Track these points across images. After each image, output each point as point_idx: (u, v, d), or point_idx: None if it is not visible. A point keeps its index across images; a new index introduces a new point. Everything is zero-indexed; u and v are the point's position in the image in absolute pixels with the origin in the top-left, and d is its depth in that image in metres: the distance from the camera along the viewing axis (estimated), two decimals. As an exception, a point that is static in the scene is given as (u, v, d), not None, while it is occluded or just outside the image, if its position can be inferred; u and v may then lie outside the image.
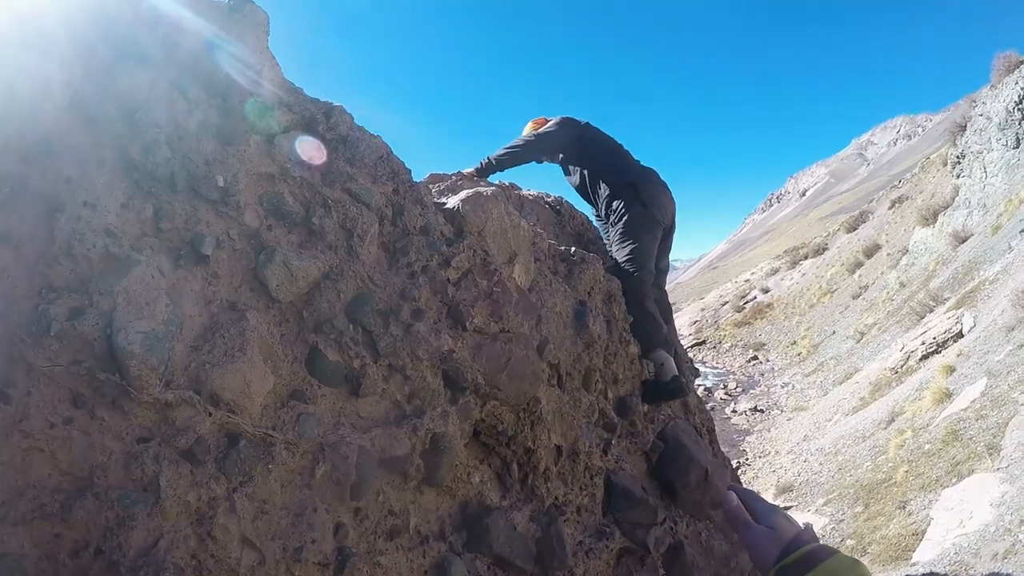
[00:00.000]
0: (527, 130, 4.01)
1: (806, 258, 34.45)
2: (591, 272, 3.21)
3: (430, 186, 3.01)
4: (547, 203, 4.14)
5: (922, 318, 15.55)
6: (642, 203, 3.77)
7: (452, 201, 2.47)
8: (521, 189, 4.11)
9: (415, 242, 2.18)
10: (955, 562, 6.29)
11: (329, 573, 1.82)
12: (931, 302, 15.84)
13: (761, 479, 12.52)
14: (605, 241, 4.07)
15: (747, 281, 39.84)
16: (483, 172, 3.65)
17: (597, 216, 4.11)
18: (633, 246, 3.63)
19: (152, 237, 1.63)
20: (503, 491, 2.53)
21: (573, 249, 3.24)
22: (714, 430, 4.51)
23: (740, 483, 4.71)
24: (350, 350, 1.97)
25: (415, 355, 2.10)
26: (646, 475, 3.40)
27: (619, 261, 3.60)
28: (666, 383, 3.57)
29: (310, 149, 2.02)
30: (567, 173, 4.14)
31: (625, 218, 3.70)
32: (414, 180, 2.34)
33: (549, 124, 3.90)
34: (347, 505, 1.90)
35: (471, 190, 2.56)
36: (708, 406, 18.41)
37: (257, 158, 1.83)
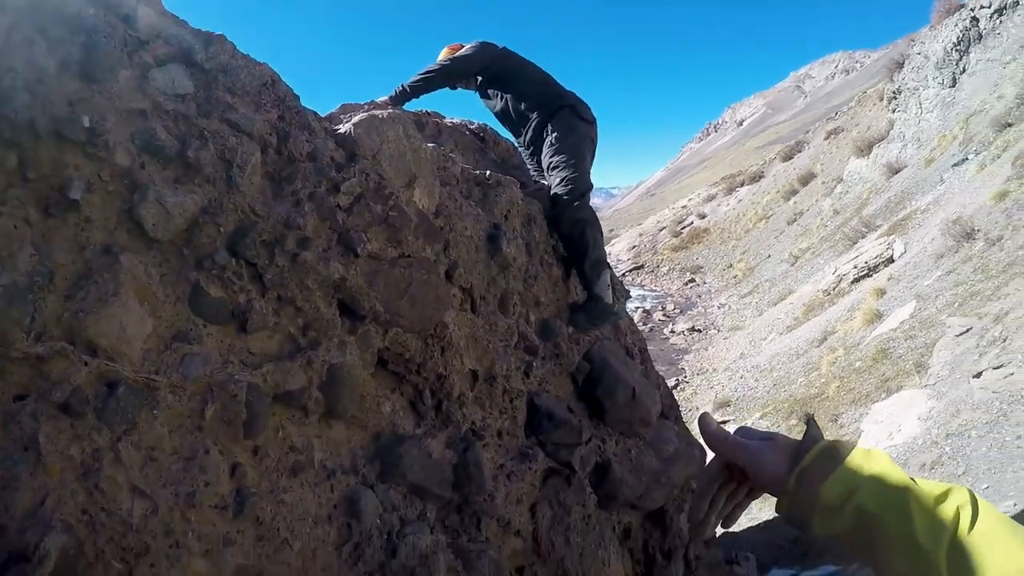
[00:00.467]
0: (442, 55, 3.85)
1: (742, 185, 34.98)
2: (507, 195, 3.12)
3: (341, 116, 2.83)
4: (469, 130, 4.02)
5: (855, 243, 16.06)
6: (587, 123, 3.72)
7: (345, 126, 2.35)
8: (444, 117, 3.94)
9: (301, 169, 2.07)
10: None
11: (228, 515, 1.78)
12: (864, 228, 16.34)
13: (700, 395, 12.94)
14: (529, 167, 3.96)
15: (684, 207, 40.33)
16: (397, 100, 3.50)
17: (521, 142, 3.97)
18: (579, 166, 3.54)
19: (18, 188, 1.55)
20: (417, 419, 2.49)
21: (488, 172, 3.15)
22: (646, 350, 4.52)
23: (674, 401, 4.78)
24: (234, 285, 1.89)
25: (304, 285, 2.01)
26: (572, 396, 3.39)
27: (562, 182, 3.48)
28: (600, 306, 3.52)
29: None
30: (486, 98, 3.98)
31: (569, 139, 3.59)
32: (302, 106, 2.22)
33: (465, 48, 3.75)
34: (242, 444, 1.85)
35: (365, 113, 2.44)
36: (647, 328, 18.80)
37: (127, 94, 1.72)
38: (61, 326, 1.54)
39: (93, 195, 1.65)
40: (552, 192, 3.50)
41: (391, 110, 2.62)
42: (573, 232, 3.44)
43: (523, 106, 3.75)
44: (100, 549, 1.52)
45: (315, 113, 2.31)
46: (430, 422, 2.51)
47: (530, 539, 2.87)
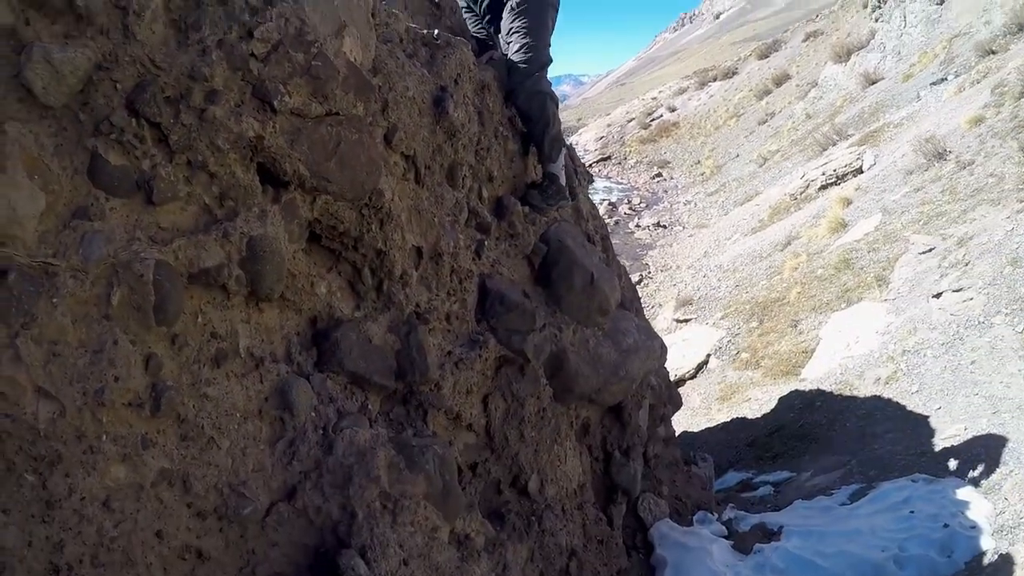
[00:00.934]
0: None
1: (715, 80, 34.18)
2: (457, 57, 2.83)
3: None
4: None
5: (825, 150, 15.96)
6: None
7: None
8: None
9: (209, 13, 1.78)
10: (840, 382, 6.73)
11: (145, 413, 1.60)
12: (835, 136, 16.20)
13: (662, 292, 13.06)
14: (476, 33, 3.62)
15: (654, 99, 39.44)
16: None
17: (471, 8, 3.60)
18: (541, 35, 3.24)
19: None
20: (357, 301, 2.30)
21: (436, 32, 2.85)
22: (608, 238, 4.36)
23: (636, 294, 4.67)
24: (136, 149, 1.63)
25: (216, 146, 1.75)
26: (529, 280, 3.24)
27: (523, 48, 3.18)
28: (554, 184, 3.32)
29: None
30: None
31: (534, 4, 3.25)
32: None
33: None
34: (156, 332, 1.64)
35: None
36: (612, 220, 18.72)
37: None
38: None
39: None
40: (510, 59, 3.21)
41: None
42: (532, 104, 3.19)
43: None
44: (10, 460, 1.37)
45: None
46: (370, 304, 2.32)
47: (483, 433, 2.77)
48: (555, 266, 3.26)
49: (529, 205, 3.24)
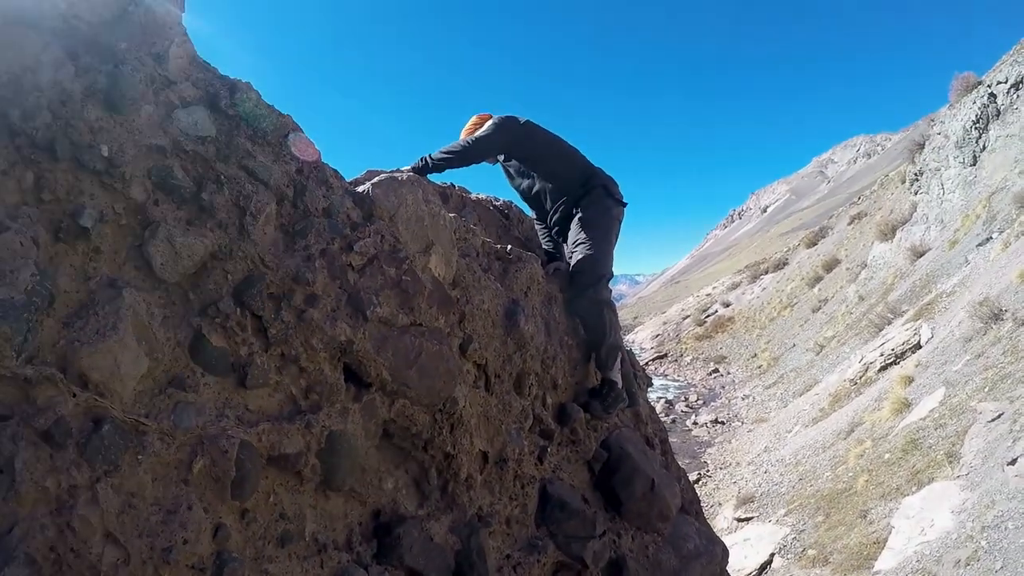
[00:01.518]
0: (467, 129, 3.76)
1: (767, 273, 34.88)
2: (528, 271, 3.04)
3: (367, 180, 2.82)
4: (495, 206, 3.93)
5: (880, 330, 15.78)
6: (618, 204, 3.61)
7: (364, 185, 2.31)
8: (470, 192, 3.89)
9: (315, 224, 2.02)
10: (917, 570, 6.24)
11: None
12: (889, 314, 16.08)
13: (722, 490, 12.48)
14: (545, 245, 3.84)
15: (709, 295, 40.25)
16: (420, 171, 3.42)
17: (541, 221, 3.84)
18: (604, 248, 3.44)
19: (31, 207, 1.54)
20: (421, 499, 2.36)
21: (509, 247, 3.08)
22: (667, 440, 4.33)
23: (696, 496, 4.52)
24: (237, 336, 1.81)
25: (309, 344, 1.93)
26: (588, 486, 3.23)
27: (586, 261, 3.36)
28: (613, 391, 3.38)
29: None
30: (510, 177, 3.85)
31: (600, 219, 3.48)
32: (322, 161, 2.19)
33: (485, 129, 3.59)
34: (229, 505, 1.74)
35: (386, 175, 2.41)
36: (669, 419, 18.37)
37: (149, 129, 1.71)
38: (55, 353, 1.50)
39: (105, 226, 1.63)
40: (572, 269, 3.40)
41: (412, 174, 2.58)
42: (591, 313, 3.34)
43: (552, 185, 3.62)
44: None
45: (335, 170, 2.28)
46: (434, 503, 2.37)
47: (535, 637, 2.64)
48: (616, 472, 3.27)
49: (589, 412, 3.29)
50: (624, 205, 3.67)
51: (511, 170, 3.78)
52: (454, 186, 3.75)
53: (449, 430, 2.36)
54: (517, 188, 3.83)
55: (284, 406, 1.92)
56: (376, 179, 2.34)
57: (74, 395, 1.50)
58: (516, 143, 3.60)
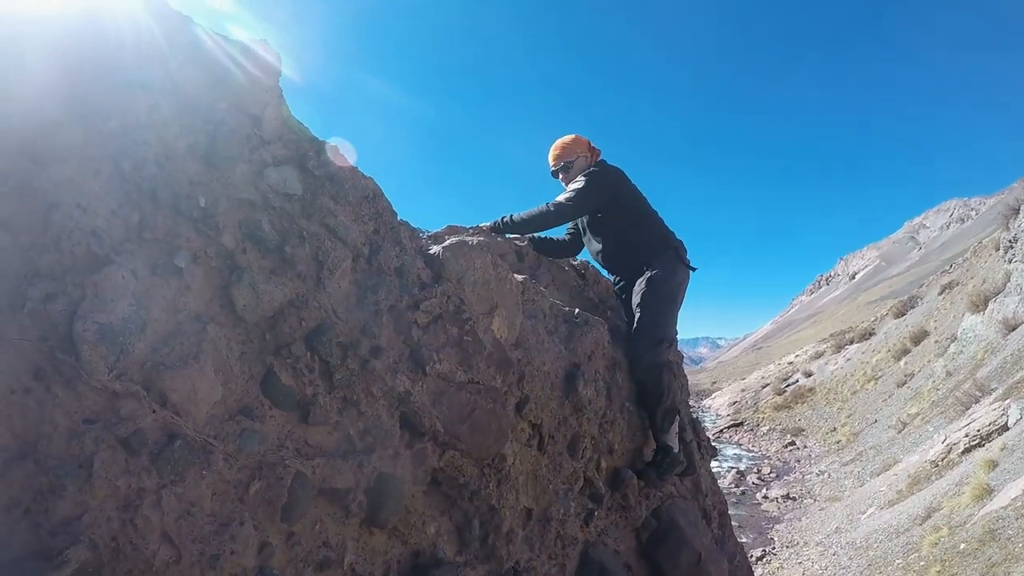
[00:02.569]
0: (554, 154, 3.77)
1: (852, 343, 33.39)
2: (593, 336, 3.12)
3: (445, 236, 3.00)
4: (571, 265, 4.00)
5: (967, 409, 14.84)
6: (687, 268, 3.62)
7: (435, 248, 2.47)
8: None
9: (386, 281, 2.18)
10: None
11: None
12: (977, 392, 15.13)
13: (786, 570, 11.93)
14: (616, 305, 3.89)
15: (791, 363, 38.86)
16: (498, 230, 3.51)
17: (616, 279, 3.86)
18: (670, 310, 3.47)
19: (134, 243, 1.73)
20: (460, 547, 2.44)
21: (577, 311, 3.16)
22: (726, 514, 4.28)
23: (751, 573, 4.40)
24: (304, 376, 1.98)
25: (370, 392, 2.09)
26: (635, 553, 3.25)
27: (650, 324, 3.38)
28: (668, 456, 3.38)
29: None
30: (583, 234, 3.82)
31: (668, 282, 3.49)
32: (398, 222, 2.36)
33: (583, 184, 3.54)
34: (277, 527, 1.89)
35: (457, 238, 2.56)
36: (739, 490, 17.62)
37: (241, 185, 1.91)
38: (142, 372, 1.68)
39: (197, 267, 1.83)
40: (635, 330, 3.41)
41: (483, 238, 2.70)
42: (649, 376, 3.34)
43: (629, 240, 3.62)
44: None
45: (411, 229, 2.44)
46: (473, 552, 2.45)
47: None
48: (663, 543, 3.27)
49: (643, 479, 3.30)
50: (693, 270, 3.69)
51: (588, 229, 3.77)
52: (531, 246, 3.79)
53: (496, 484, 2.46)
54: (587, 245, 3.84)
55: (340, 444, 2.07)
56: (447, 242, 2.48)
57: (154, 411, 1.68)
58: (604, 203, 3.60)
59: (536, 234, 3.72)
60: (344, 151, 2.25)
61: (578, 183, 3.56)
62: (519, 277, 2.81)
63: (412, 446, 2.23)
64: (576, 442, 2.90)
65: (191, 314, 1.80)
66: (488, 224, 3.52)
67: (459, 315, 2.34)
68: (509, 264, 3.20)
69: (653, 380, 3.33)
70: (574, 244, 3.94)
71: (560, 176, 3.79)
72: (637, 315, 3.44)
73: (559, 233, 3.95)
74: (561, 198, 3.55)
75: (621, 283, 3.78)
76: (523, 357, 2.63)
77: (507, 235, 3.56)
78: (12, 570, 1.47)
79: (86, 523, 1.54)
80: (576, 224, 3.88)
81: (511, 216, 3.53)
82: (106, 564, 1.57)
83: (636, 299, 3.49)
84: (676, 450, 3.40)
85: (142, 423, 1.65)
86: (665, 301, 3.47)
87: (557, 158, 3.78)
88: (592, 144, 3.82)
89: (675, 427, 3.43)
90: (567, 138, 3.81)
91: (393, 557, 2.23)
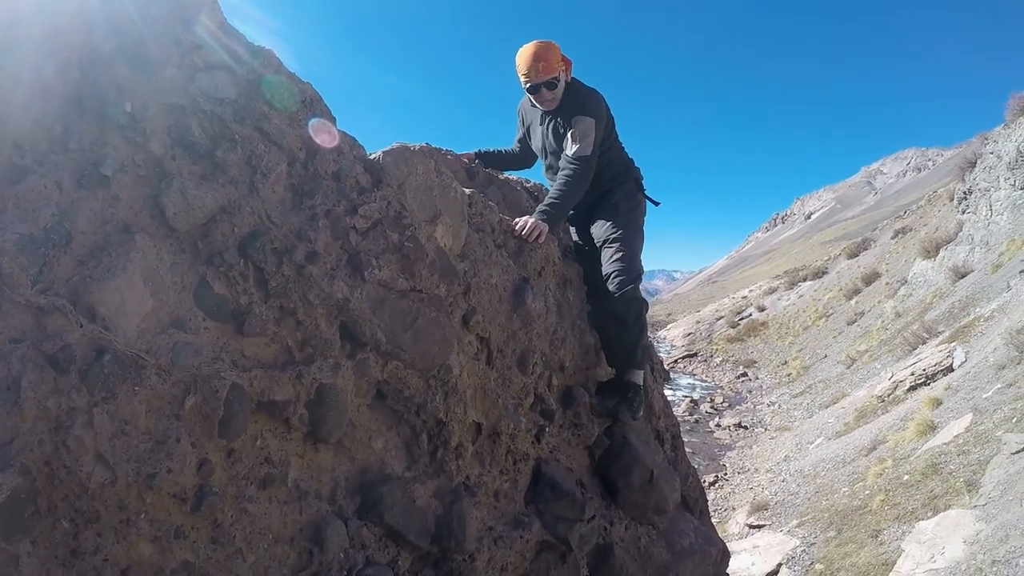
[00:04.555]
0: (526, 63, 3.21)
1: (805, 280, 34.25)
2: (543, 252, 3.05)
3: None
4: (524, 188, 3.86)
5: (914, 349, 15.39)
6: (646, 199, 3.47)
7: (376, 152, 2.38)
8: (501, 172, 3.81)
9: (323, 186, 2.10)
10: None
11: (186, 508, 1.77)
12: (925, 334, 15.66)
13: (738, 495, 12.38)
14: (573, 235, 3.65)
15: (744, 298, 39.72)
16: (551, 220, 3.10)
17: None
18: (637, 245, 3.29)
19: (58, 154, 1.66)
20: (409, 462, 2.40)
21: None
22: (679, 436, 4.29)
23: (703, 495, 4.46)
24: (238, 285, 1.92)
25: (307, 299, 2.01)
26: (587, 471, 3.24)
27: (622, 259, 3.17)
28: (638, 396, 3.27)
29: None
30: (544, 153, 3.53)
31: (633, 215, 3.32)
32: (336, 128, 2.27)
33: (590, 126, 3.17)
34: (216, 443, 1.84)
35: (399, 144, 2.46)
36: (693, 418, 18.21)
37: (170, 89, 1.82)
38: (68, 287, 1.62)
39: (124, 175, 1.75)
40: (607, 268, 3.19)
41: (425, 144, 2.57)
42: (629, 310, 3.14)
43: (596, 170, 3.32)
44: (53, 504, 1.55)
45: (352, 139, 2.33)
46: (422, 467, 2.41)
47: (509, 614, 2.65)
48: (615, 461, 3.26)
49: (613, 418, 3.23)
50: (656, 204, 3.55)
51: (547, 143, 3.45)
52: (481, 164, 3.64)
53: (443, 397, 2.40)
54: (543, 160, 3.57)
55: (279, 356, 2.00)
56: (388, 147, 2.39)
57: (81, 326, 1.61)
58: (601, 140, 3.28)
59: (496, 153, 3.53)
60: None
61: (587, 125, 3.17)
62: (467, 190, 2.72)
63: (353, 356, 2.16)
64: (526, 357, 2.85)
65: (119, 225, 1.74)
66: (533, 219, 3.04)
67: (400, 221, 2.25)
68: (459, 182, 3.02)
69: (634, 314, 3.16)
70: (525, 156, 3.74)
71: (543, 94, 3.29)
72: (612, 249, 3.23)
73: (508, 145, 3.78)
74: (578, 152, 3.16)
75: (572, 213, 3.51)
76: (469, 269, 2.56)
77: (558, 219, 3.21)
78: None
79: (16, 448, 1.49)
80: (525, 133, 3.64)
81: (551, 203, 3.11)
82: (41, 490, 1.53)
83: (605, 230, 3.29)
84: (642, 387, 3.31)
85: (69, 338, 1.59)
86: (637, 234, 3.33)
87: (540, 71, 3.21)
88: (562, 52, 3.34)
89: (647, 365, 3.34)
90: (545, 44, 3.24)
91: (340, 474, 2.19)
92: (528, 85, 3.27)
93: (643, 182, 3.53)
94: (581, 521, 2.89)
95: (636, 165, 3.56)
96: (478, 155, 3.54)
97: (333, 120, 2.26)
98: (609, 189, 3.39)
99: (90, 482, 1.58)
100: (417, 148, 2.44)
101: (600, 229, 3.31)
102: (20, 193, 1.55)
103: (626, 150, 3.56)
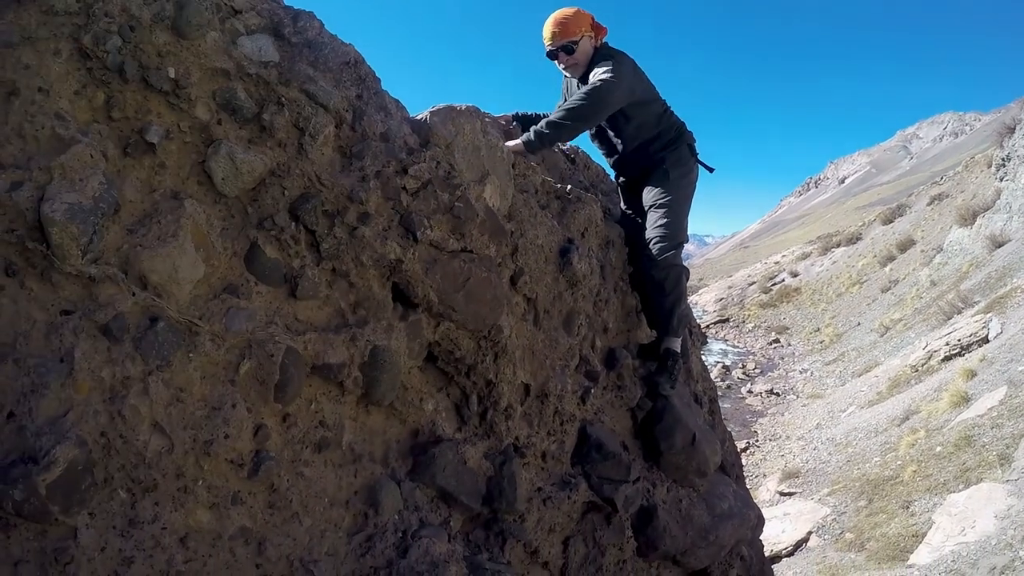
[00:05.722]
0: (553, 29, 3.14)
1: (839, 246, 33.66)
2: (586, 213, 3.02)
3: None
4: (560, 149, 3.75)
5: (949, 319, 15.12)
6: (698, 164, 3.40)
7: (422, 113, 2.34)
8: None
9: (372, 147, 2.07)
10: (951, 570, 6.12)
11: (243, 473, 1.78)
12: (960, 304, 15.36)
13: (769, 462, 12.38)
14: (621, 203, 3.60)
15: (777, 263, 39.20)
16: (532, 148, 2.87)
17: (618, 168, 3.54)
18: (683, 212, 3.25)
19: (102, 124, 1.65)
20: (459, 423, 2.41)
21: (569, 187, 3.04)
22: (716, 400, 4.29)
23: (739, 460, 4.46)
24: (290, 248, 1.90)
25: (360, 261, 2.00)
26: (629, 433, 3.25)
27: (666, 226, 3.11)
28: (677, 365, 3.27)
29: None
30: (595, 133, 3.44)
31: (682, 181, 3.25)
32: (382, 89, 2.23)
33: (613, 70, 2.99)
34: (271, 407, 1.84)
35: (444, 105, 2.41)
36: (724, 384, 18.17)
37: (214, 54, 1.79)
38: (118, 255, 1.61)
39: (170, 143, 1.73)
40: (650, 233, 3.15)
41: (471, 104, 2.51)
42: (668, 276, 3.12)
43: (643, 133, 3.26)
44: (110, 474, 1.55)
45: (396, 100, 2.30)
46: (472, 429, 2.42)
47: (557, 573, 2.70)
48: (658, 422, 3.25)
49: (657, 391, 3.22)
50: (710, 171, 3.50)
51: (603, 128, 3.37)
52: (519, 126, 3.49)
53: (493, 358, 2.40)
54: (597, 146, 3.53)
55: (332, 319, 2.00)
56: (434, 108, 2.36)
57: (133, 294, 1.61)
58: (632, 90, 3.12)
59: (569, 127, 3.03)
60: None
61: (604, 68, 3.00)
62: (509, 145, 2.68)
63: (406, 318, 2.16)
64: (571, 318, 2.85)
65: (167, 192, 1.72)
66: (513, 144, 2.83)
67: (449, 181, 2.22)
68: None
69: (673, 281, 3.15)
70: None
71: (560, 58, 3.25)
72: (658, 214, 3.17)
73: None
74: (596, 80, 2.96)
75: (623, 180, 3.52)
76: (516, 230, 2.54)
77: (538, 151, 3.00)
78: None
79: (72, 420, 1.49)
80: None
81: (543, 128, 2.86)
82: (97, 461, 1.53)
83: (653, 196, 3.22)
84: (679, 355, 3.28)
85: (122, 307, 1.59)
86: (685, 202, 3.27)
87: (556, 35, 3.17)
88: (596, 20, 3.26)
89: (685, 332, 3.32)
90: (567, 11, 3.21)
91: (392, 436, 2.20)
92: (548, 51, 3.26)
93: (694, 146, 3.42)
94: (627, 482, 2.89)
95: (688, 130, 3.43)
96: (516, 117, 3.50)
97: (378, 81, 2.23)
98: (662, 156, 3.30)
99: (147, 451, 1.58)
100: (463, 108, 2.41)
101: (649, 194, 3.26)
102: (66, 163, 1.54)
103: (675, 114, 3.42)
